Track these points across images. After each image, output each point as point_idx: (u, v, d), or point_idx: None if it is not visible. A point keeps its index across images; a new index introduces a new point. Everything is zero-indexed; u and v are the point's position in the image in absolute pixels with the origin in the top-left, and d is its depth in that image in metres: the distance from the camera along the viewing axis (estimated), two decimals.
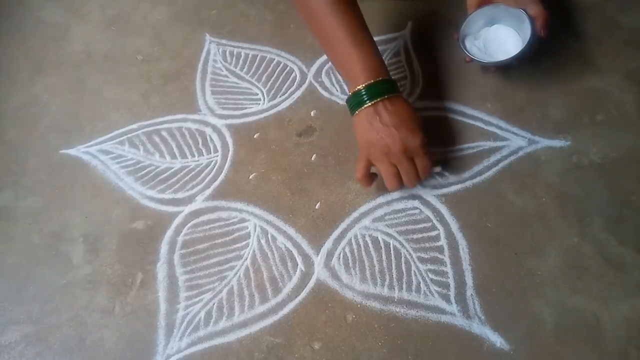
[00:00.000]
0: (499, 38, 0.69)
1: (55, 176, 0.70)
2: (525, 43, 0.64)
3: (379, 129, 0.56)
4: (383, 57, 0.76)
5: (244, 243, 0.63)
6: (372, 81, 0.57)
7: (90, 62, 0.82)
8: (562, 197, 0.62)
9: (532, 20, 0.64)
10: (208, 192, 0.67)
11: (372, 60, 0.58)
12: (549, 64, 0.72)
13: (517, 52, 0.64)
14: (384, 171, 0.58)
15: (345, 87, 0.74)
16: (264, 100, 0.74)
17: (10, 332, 0.59)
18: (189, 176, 0.69)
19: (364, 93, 0.57)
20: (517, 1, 0.65)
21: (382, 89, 0.57)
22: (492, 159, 0.66)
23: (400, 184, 0.59)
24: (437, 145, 0.67)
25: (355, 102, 0.58)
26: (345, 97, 0.73)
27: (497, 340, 0.54)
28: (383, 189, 0.63)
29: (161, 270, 0.62)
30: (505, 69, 0.71)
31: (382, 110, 0.56)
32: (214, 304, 0.59)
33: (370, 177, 0.61)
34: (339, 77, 0.75)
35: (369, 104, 0.56)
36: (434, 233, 0.61)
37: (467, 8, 0.69)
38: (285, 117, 0.73)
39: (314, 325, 0.57)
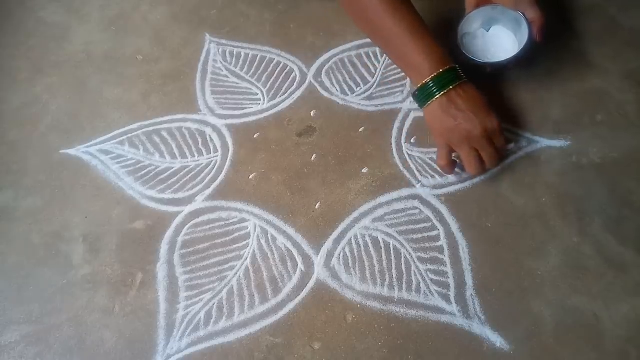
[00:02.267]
0: (495, 39, 0.69)
1: (55, 176, 0.70)
2: (522, 46, 0.64)
3: (457, 116, 0.57)
4: (383, 57, 0.76)
5: (244, 243, 0.63)
6: (440, 71, 0.58)
7: (90, 62, 0.82)
8: (562, 197, 0.62)
9: (529, 23, 0.64)
10: (208, 192, 0.67)
11: (434, 50, 0.59)
12: (549, 64, 0.72)
13: (513, 54, 0.64)
14: (466, 155, 0.59)
15: (345, 87, 0.74)
16: (264, 100, 0.74)
17: (10, 332, 0.59)
18: (189, 176, 0.69)
19: (432, 85, 0.58)
20: (515, 3, 0.65)
21: (450, 77, 0.58)
22: None
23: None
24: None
25: (424, 95, 0.59)
26: (345, 97, 0.73)
27: (497, 340, 0.54)
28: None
29: (161, 270, 0.62)
30: (499, 70, 0.71)
31: (455, 97, 0.58)
32: (214, 304, 0.59)
33: (453, 163, 0.62)
34: (339, 77, 0.75)
35: (439, 94, 0.57)
36: (434, 233, 0.61)
37: (465, 7, 0.69)
38: (285, 117, 0.73)
39: (314, 325, 0.57)
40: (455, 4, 0.74)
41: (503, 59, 0.65)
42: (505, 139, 0.60)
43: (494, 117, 0.58)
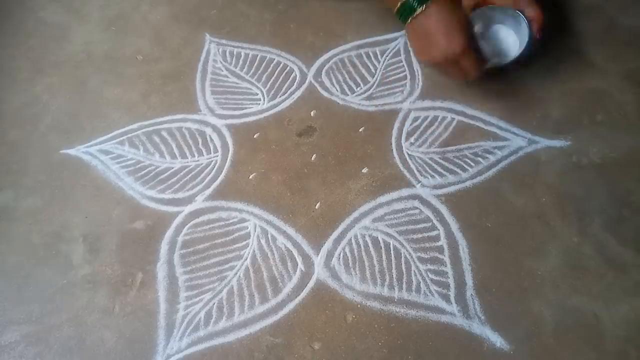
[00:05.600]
0: (497, 39, 0.69)
1: (55, 176, 0.70)
2: (524, 45, 0.63)
3: (428, 38, 0.62)
4: (383, 57, 0.76)
5: (244, 243, 0.63)
6: None
7: (90, 62, 0.82)
8: (562, 197, 0.62)
9: (529, 21, 0.64)
10: (208, 192, 0.67)
11: None
12: (549, 64, 0.72)
13: (517, 54, 0.64)
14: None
15: (345, 87, 0.74)
16: (264, 100, 0.75)
17: (10, 332, 0.59)
18: (189, 176, 0.69)
19: (412, 1, 0.61)
20: (514, 2, 0.65)
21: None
22: (492, 159, 0.66)
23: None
24: (437, 145, 0.67)
25: (406, 11, 0.62)
26: (345, 97, 0.73)
27: (497, 340, 0.54)
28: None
29: (161, 270, 0.62)
30: (499, 69, 0.71)
31: (426, 18, 0.61)
32: (214, 304, 0.59)
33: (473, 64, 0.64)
34: (339, 77, 0.75)
35: (420, 9, 0.61)
36: (434, 233, 0.61)
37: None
38: (285, 117, 0.73)
39: (314, 325, 0.57)
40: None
41: (506, 61, 0.65)
42: (474, 59, 0.62)
43: (457, 42, 0.60)
